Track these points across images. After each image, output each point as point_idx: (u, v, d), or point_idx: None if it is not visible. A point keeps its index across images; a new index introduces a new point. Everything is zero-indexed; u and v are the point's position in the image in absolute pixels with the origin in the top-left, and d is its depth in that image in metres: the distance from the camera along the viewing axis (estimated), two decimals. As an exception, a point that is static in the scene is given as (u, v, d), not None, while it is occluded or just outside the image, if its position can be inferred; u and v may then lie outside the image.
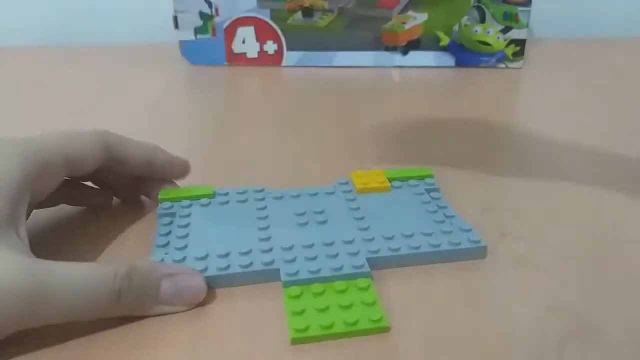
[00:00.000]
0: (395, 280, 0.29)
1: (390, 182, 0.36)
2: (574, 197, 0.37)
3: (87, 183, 0.35)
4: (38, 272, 0.24)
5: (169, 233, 0.32)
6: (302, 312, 0.26)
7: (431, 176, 0.37)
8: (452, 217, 0.33)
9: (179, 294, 0.27)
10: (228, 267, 0.28)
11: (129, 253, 0.31)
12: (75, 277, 0.24)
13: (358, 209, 0.34)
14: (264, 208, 0.34)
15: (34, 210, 0.32)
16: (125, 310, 0.26)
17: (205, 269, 0.28)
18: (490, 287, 0.29)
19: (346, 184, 0.36)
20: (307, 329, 0.25)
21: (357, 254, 0.29)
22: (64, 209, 0.35)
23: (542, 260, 0.30)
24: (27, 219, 0.29)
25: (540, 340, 0.25)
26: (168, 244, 0.31)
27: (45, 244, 0.32)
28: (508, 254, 0.31)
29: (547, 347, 0.25)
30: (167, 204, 0.34)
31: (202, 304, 0.27)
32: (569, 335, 0.25)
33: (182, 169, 0.35)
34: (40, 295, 0.23)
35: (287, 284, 0.28)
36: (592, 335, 0.25)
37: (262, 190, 0.36)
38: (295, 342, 0.25)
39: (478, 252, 0.30)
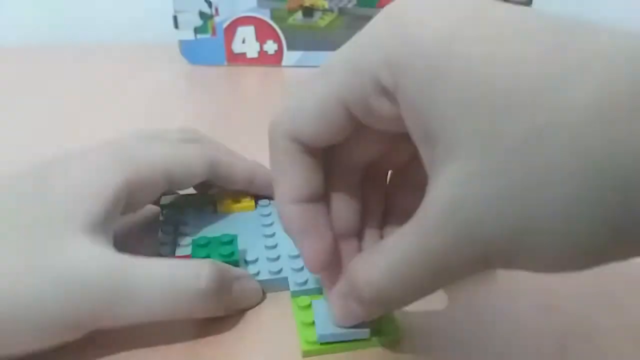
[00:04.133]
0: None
1: None
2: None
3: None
4: (121, 268, 0.23)
5: (173, 241, 0.31)
6: (312, 323, 0.25)
7: None
8: None
9: (244, 299, 0.27)
10: None
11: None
12: (160, 276, 0.24)
13: None
14: (269, 214, 0.34)
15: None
16: (204, 312, 0.25)
17: None
18: (491, 287, 0.28)
19: None
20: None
21: None
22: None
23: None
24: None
25: (540, 340, 0.25)
26: (172, 252, 0.30)
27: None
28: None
29: (547, 347, 0.25)
30: (170, 212, 0.34)
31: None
32: (569, 335, 0.25)
33: None
34: (121, 293, 0.23)
35: (295, 294, 0.27)
36: (592, 335, 0.25)
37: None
38: (306, 354, 0.24)
39: None
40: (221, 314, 0.26)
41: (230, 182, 0.32)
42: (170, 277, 0.24)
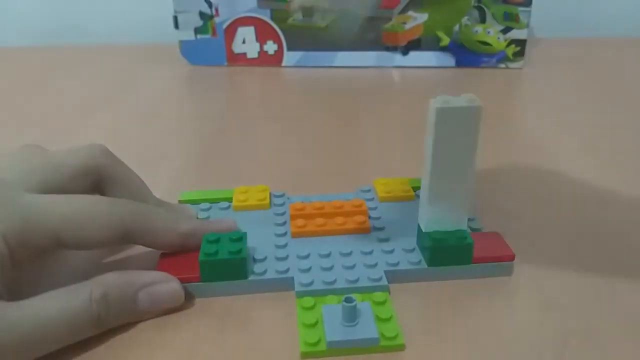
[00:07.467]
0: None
1: (414, 191, 0.35)
2: (575, 196, 0.37)
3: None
4: (5, 317, 0.23)
5: None
6: (314, 325, 0.25)
7: None
8: (478, 230, 0.32)
9: (155, 303, 0.27)
10: None
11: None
12: (48, 312, 0.23)
13: (379, 218, 0.33)
14: (283, 213, 0.33)
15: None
16: (105, 327, 0.25)
17: None
18: (491, 287, 0.28)
19: (368, 191, 0.36)
20: (317, 342, 0.24)
21: (374, 265, 0.28)
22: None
23: (542, 260, 0.30)
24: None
25: (540, 340, 0.25)
26: None
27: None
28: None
29: (547, 347, 0.25)
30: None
31: (207, 311, 0.27)
32: (569, 335, 0.25)
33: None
34: (7, 342, 0.22)
35: (300, 294, 0.27)
36: (592, 335, 0.25)
37: (282, 195, 0.35)
38: (304, 356, 0.24)
39: (505, 269, 0.29)
40: (139, 319, 0.26)
41: (151, 246, 0.29)
42: (63, 311, 0.24)
